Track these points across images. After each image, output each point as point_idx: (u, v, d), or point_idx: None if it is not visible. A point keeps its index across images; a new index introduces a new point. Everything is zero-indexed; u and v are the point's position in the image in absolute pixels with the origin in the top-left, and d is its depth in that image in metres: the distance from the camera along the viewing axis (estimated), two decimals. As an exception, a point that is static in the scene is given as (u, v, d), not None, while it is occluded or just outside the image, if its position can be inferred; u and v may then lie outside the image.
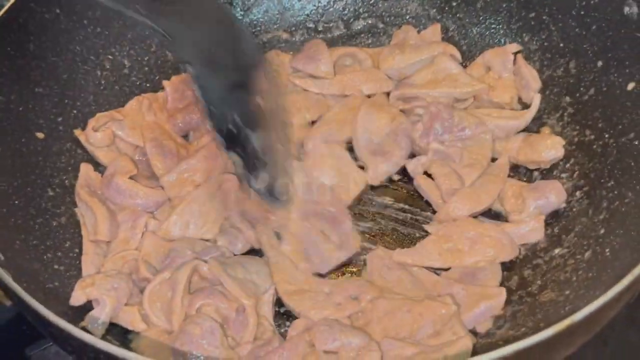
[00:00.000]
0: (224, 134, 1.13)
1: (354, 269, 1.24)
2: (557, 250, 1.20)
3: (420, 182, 1.31)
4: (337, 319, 1.11)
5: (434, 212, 1.29)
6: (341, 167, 1.33)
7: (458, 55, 1.45)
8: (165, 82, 1.43)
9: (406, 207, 1.32)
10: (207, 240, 1.24)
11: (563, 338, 0.85)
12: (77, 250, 1.22)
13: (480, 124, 1.33)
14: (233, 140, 1.13)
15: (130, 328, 1.13)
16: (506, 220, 1.25)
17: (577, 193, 1.24)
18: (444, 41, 1.50)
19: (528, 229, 1.22)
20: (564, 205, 1.24)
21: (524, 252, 1.22)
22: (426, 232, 1.24)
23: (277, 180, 1.18)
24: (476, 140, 1.33)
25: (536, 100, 1.36)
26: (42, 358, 1.19)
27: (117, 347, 0.87)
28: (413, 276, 1.18)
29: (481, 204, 1.25)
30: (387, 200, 1.33)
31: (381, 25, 1.58)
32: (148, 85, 1.48)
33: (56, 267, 1.16)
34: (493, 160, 1.32)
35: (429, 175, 1.31)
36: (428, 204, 1.31)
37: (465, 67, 1.45)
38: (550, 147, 1.29)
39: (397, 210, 1.31)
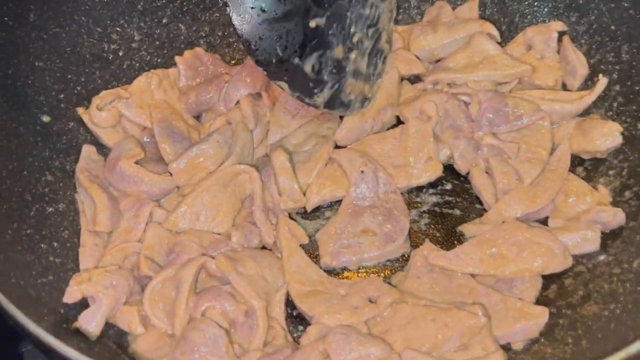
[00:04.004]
0: (271, 60, 1.04)
1: (374, 268, 1.13)
2: (601, 257, 1.08)
3: (475, 178, 1.20)
4: (352, 324, 1.01)
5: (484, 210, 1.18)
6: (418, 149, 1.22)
7: (497, 34, 1.32)
8: (177, 58, 1.32)
9: (455, 200, 1.21)
10: (218, 234, 1.14)
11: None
12: (75, 240, 1.13)
13: (537, 109, 1.21)
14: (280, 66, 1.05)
15: (127, 330, 1.04)
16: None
17: (626, 193, 1.13)
18: (481, 19, 1.37)
19: (582, 238, 1.09)
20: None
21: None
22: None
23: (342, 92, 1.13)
24: (533, 129, 1.20)
25: (601, 84, 1.22)
26: (34, 355, 1.12)
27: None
28: (450, 280, 1.07)
29: (537, 204, 1.13)
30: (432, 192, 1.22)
31: (413, 0, 1.45)
32: (159, 60, 1.38)
33: (51, 259, 1.07)
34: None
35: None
36: (477, 199, 1.20)
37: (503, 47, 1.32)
38: (607, 134, 1.17)
39: (442, 206, 1.21)
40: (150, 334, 1.03)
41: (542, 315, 1.01)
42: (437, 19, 1.38)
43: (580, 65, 1.26)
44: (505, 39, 1.36)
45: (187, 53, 1.34)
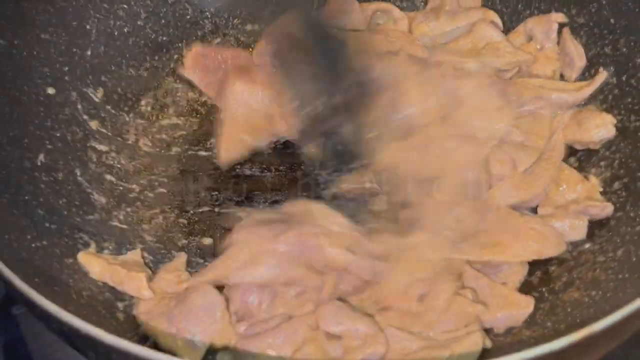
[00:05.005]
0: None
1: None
2: (587, 245, 1.09)
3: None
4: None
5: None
6: None
7: (499, 22, 1.34)
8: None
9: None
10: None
11: (580, 348, 0.75)
12: (73, 209, 1.15)
13: (539, 98, 1.21)
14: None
15: (136, 295, 1.06)
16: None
17: (616, 184, 1.13)
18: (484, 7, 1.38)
19: (570, 226, 1.10)
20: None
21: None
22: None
23: None
24: (532, 117, 1.21)
25: (600, 77, 1.23)
26: (28, 317, 1.13)
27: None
28: None
29: (531, 192, 1.14)
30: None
31: (418, -11, 1.47)
32: (164, 38, 1.40)
33: (47, 225, 1.09)
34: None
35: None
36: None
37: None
38: (600, 126, 1.17)
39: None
40: (154, 297, 1.06)
41: (527, 306, 1.01)
42: (440, 6, 1.39)
43: (578, 57, 1.26)
44: (507, 29, 1.36)
45: (189, 55, 1.35)
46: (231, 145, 1.24)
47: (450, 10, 1.36)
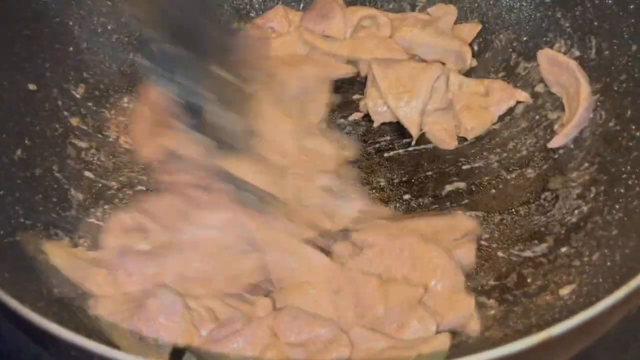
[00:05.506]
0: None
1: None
2: (563, 249, 1.08)
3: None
4: None
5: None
6: None
7: (467, 62, 1.34)
8: None
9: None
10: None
11: (539, 352, 0.74)
12: (49, 205, 1.15)
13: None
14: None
15: (94, 292, 1.05)
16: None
17: (593, 188, 1.13)
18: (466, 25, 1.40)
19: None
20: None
21: (528, 248, 1.11)
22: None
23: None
24: None
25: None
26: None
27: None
28: None
29: None
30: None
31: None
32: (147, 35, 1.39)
33: (21, 220, 1.09)
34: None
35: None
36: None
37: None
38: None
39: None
40: (113, 297, 1.05)
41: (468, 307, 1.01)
42: (435, 21, 1.39)
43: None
44: (491, 32, 1.37)
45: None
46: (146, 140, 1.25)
47: (439, 29, 1.36)
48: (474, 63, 1.37)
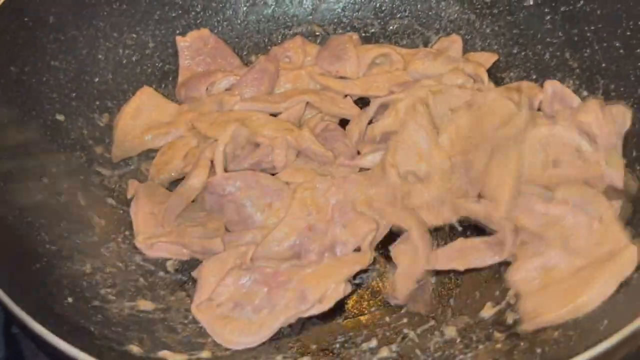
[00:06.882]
0: None
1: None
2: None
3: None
4: None
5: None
6: None
7: (485, 81, 1.35)
8: (178, 38, 1.42)
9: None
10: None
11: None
12: (73, 231, 1.18)
13: None
14: None
15: None
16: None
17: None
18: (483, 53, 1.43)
19: None
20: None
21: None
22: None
23: None
24: None
25: None
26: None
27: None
28: None
29: None
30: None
31: (417, 27, 1.52)
32: (171, 67, 1.45)
33: (47, 247, 1.12)
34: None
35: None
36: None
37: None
38: None
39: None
40: None
41: None
42: (443, 50, 1.43)
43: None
44: (502, 70, 1.42)
45: (193, 33, 1.43)
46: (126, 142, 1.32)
47: (450, 57, 1.39)
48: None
